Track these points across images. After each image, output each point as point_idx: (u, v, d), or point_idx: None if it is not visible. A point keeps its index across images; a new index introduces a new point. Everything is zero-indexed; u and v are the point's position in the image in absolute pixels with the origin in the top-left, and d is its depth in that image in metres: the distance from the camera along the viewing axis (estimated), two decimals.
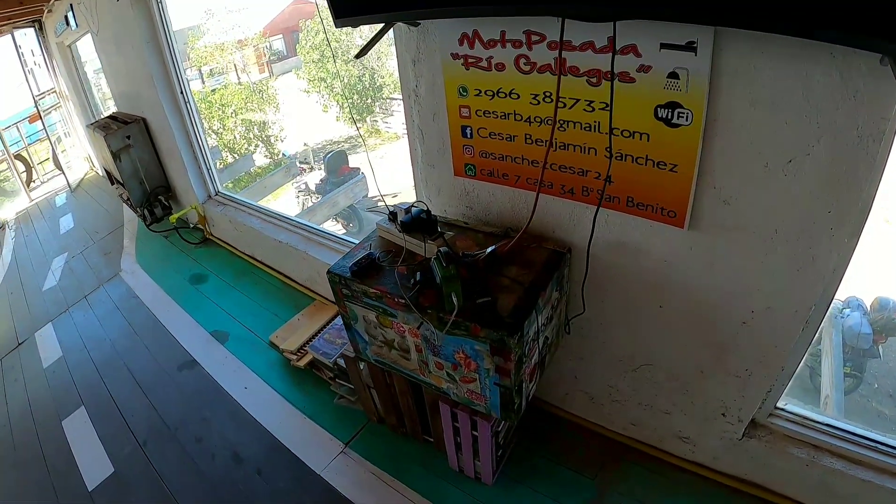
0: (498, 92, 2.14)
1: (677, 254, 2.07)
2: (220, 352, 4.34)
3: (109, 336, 5.10)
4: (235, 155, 16.67)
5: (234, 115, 16.82)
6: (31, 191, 11.40)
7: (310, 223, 4.70)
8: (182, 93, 5.49)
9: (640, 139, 1.87)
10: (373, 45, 2.25)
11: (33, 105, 10.09)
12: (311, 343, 3.73)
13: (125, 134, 6.12)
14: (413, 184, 2.93)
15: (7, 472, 3.99)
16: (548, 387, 3.03)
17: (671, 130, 1.79)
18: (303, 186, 13.01)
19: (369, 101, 18.64)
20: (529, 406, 2.43)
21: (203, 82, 18.57)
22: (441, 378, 2.29)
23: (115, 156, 6.05)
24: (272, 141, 18.11)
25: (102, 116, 7.74)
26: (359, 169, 12.25)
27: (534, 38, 1.94)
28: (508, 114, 2.16)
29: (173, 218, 6.03)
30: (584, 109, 1.95)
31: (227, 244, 5.88)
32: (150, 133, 6.27)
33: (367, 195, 11.89)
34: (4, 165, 12.42)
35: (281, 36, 27.12)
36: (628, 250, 2.19)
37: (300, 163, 14.49)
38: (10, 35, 9.61)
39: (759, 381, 2.17)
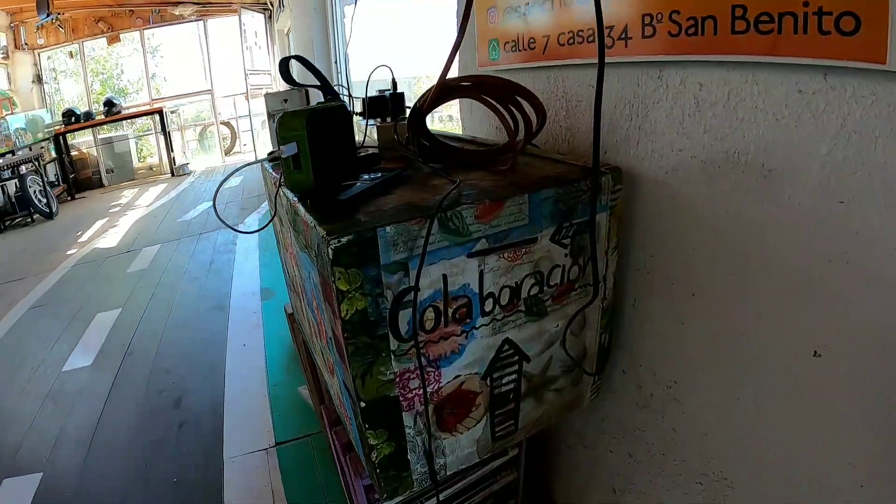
0: None
1: (874, 155, 0.70)
2: (254, 306, 3.94)
3: (189, 266, 5.14)
4: None
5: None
6: (229, 157, 11.89)
7: None
8: (336, 62, 5.17)
9: None
10: None
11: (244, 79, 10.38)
12: None
13: (283, 97, 6.01)
14: None
15: (38, 329, 4.12)
16: (565, 486, 1.67)
17: None
18: None
19: None
20: None
21: None
22: (322, 359, 1.20)
23: (270, 116, 5.88)
24: None
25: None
26: None
27: None
28: None
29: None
30: None
31: None
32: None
33: None
34: (214, 129, 12.92)
35: None
36: (744, 174, 0.86)
37: None
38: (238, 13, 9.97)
39: None
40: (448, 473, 1.06)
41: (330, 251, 0.75)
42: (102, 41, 10.98)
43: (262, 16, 10.45)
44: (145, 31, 10.83)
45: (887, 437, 0.71)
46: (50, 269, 5.76)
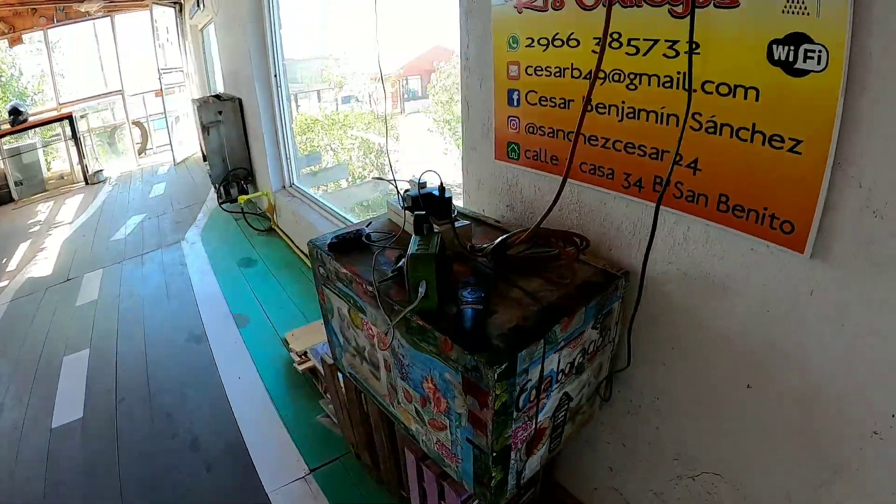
0: (553, 39, 1.50)
1: (789, 299, 1.24)
2: (233, 335, 3.99)
3: (143, 292, 5.07)
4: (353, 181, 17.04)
5: (353, 137, 17.11)
6: (142, 157, 11.72)
7: None
8: (275, 75, 5.20)
9: (745, 97, 1.14)
10: None
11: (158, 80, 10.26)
12: (315, 346, 3.09)
13: (217, 109, 5.94)
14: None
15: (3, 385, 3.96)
16: (571, 472, 2.20)
17: (793, 81, 1.06)
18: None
19: None
20: (545, 491, 1.84)
21: (337, 105, 18.98)
22: (409, 414, 1.61)
23: (205, 129, 5.89)
24: (385, 170, 18.19)
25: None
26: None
27: None
28: (564, 69, 1.50)
29: (242, 199, 5.75)
30: (664, 55, 1.26)
31: (287, 236, 5.56)
32: (242, 114, 6.06)
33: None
34: (124, 129, 12.70)
35: (419, 76, 27.54)
36: (711, 286, 1.39)
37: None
38: (149, 10, 9.83)
39: None
40: (524, 482, 1.51)
41: (494, 374, 1.17)
42: (2, 43, 10.56)
43: (172, 10, 10.33)
44: (49, 30, 10.46)
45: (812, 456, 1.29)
46: None
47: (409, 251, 1.27)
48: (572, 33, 1.44)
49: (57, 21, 10.24)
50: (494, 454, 1.32)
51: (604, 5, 1.27)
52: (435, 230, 1.37)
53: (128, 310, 4.73)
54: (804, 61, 1.03)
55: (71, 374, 3.89)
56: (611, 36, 1.33)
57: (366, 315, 1.56)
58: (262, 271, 4.98)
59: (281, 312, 4.18)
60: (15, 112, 9.59)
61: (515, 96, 1.69)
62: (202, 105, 5.82)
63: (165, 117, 10.27)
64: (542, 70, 1.57)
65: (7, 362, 4.28)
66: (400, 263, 1.41)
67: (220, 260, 5.42)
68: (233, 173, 6.13)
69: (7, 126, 9.68)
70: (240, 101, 5.96)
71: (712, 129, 1.21)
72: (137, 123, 12.01)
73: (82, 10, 10.09)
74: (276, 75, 5.14)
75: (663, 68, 1.26)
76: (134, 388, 3.58)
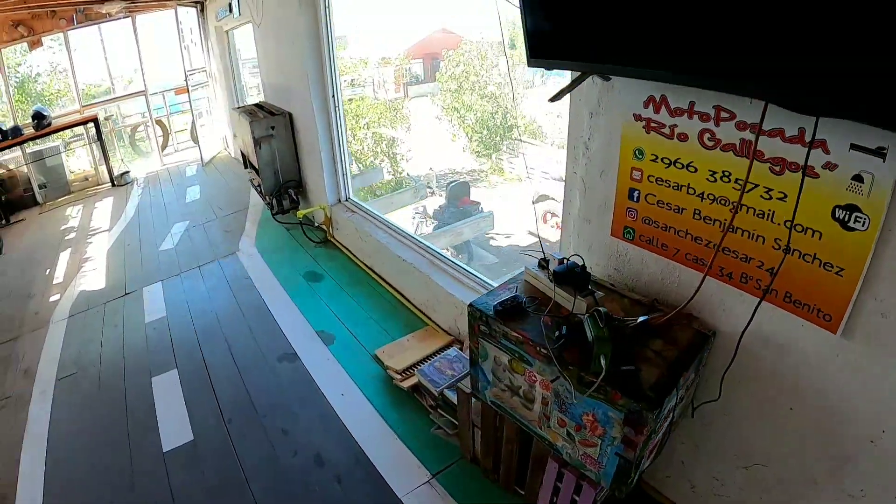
0: (675, 162, 2.16)
1: (822, 357, 1.99)
2: (323, 352, 4.50)
3: (215, 308, 5.48)
4: (360, 165, 17.40)
5: (366, 126, 17.60)
6: (163, 156, 12.37)
7: (440, 250, 4.79)
8: (333, 97, 5.81)
9: (812, 236, 1.85)
10: (567, 93, 2.30)
11: (183, 79, 10.83)
12: (419, 367, 3.78)
13: (270, 124, 6.52)
14: (532, 225, 2.95)
15: (88, 405, 4.36)
16: (651, 466, 2.96)
17: (845, 233, 1.76)
18: (420, 209, 13.43)
19: (498, 139, 19.23)
20: None
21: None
22: (559, 435, 2.30)
23: (257, 143, 6.42)
24: (397, 159, 18.82)
25: (248, 103, 8.28)
26: (479, 203, 12.49)
27: (723, 114, 1.95)
28: (682, 185, 2.17)
29: (300, 213, 6.34)
30: (761, 196, 1.94)
31: (348, 250, 6.11)
32: (293, 128, 6.65)
33: (489, 231, 12.08)
34: (144, 127, 13.51)
35: (421, 60, 28.13)
36: (772, 345, 2.12)
37: (427, 187, 15.04)
38: (173, 10, 10.46)
39: None
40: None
41: (653, 415, 1.87)
42: (22, 47, 11.23)
43: (194, 9, 10.93)
44: (69, 31, 11.00)
45: (829, 454, 1.96)
46: (41, 323, 5.83)
47: (593, 332, 1.96)
48: (692, 162, 2.11)
49: (77, 23, 10.79)
50: (636, 462, 2.04)
51: (735, 154, 1.97)
52: (602, 310, 2.04)
53: (205, 327, 5.14)
54: (854, 223, 1.73)
55: (166, 396, 4.29)
56: (723, 173, 2.02)
57: (531, 367, 2.25)
58: (332, 287, 5.49)
59: (363, 329, 4.71)
60: (39, 116, 10.12)
61: (636, 194, 2.37)
62: (254, 120, 6.39)
63: (193, 119, 10.98)
64: (662, 181, 2.24)
65: (88, 383, 4.62)
66: (563, 332, 2.10)
67: (284, 274, 5.89)
68: (284, 186, 6.76)
69: (31, 130, 10.22)
70: (290, 115, 6.59)
71: (787, 251, 1.90)
72: (159, 122, 12.69)
73: (103, 11, 10.63)
74: (333, 95, 5.77)
75: (759, 204, 1.95)
76: (239, 408, 4.02)
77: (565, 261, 2.36)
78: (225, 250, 6.81)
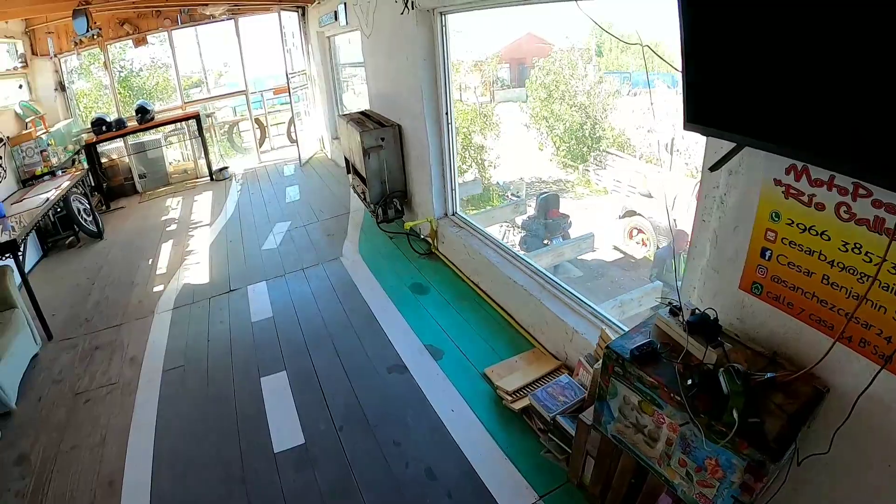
0: (810, 228, 2.42)
1: None
2: (432, 367, 4.80)
3: (321, 312, 5.90)
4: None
5: (456, 132, 18.15)
6: (261, 153, 13.27)
7: (552, 275, 5.07)
8: (447, 113, 6.21)
9: None
10: (725, 163, 2.58)
11: (282, 79, 11.60)
12: (532, 391, 4.12)
13: (380, 135, 6.98)
14: (651, 264, 3.23)
15: (196, 399, 4.81)
16: None
17: None
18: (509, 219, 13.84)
19: (585, 149, 19.48)
20: None
21: None
22: (677, 473, 2.60)
23: (366, 153, 6.88)
24: (485, 165, 19.25)
25: (351, 111, 8.87)
26: (567, 216, 12.76)
27: (861, 191, 2.20)
28: (814, 251, 2.43)
29: (408, 225, 6.78)
30: (889, 271, 2.18)
31: (453, 264, 6.48)
32: (401, 140, 7.11)
33: (590, 252, 12.32)
34: (244, 126, 14.91)
35: (507, 65, 28.50)
36: (883, 404, 2.32)
37: (512, 195, 15.39)
38: (276, 14, 11.37)
39: None
40: None
41: (776, 466, 2.20)
42: (127, 43, 12.27)
43: (295, 14, 11.74)
44: (173, 31, 11.90)
45: None
46: (145, 312, 6.43)
47: (729, 387, 2.27)
48: (826, 230, 2.38)
49: (181, 23, 11.70)
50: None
51: (868, 229, 2.21)
52: (738, 367, 2.35)
53: (313, 331, 5.53)
54: None
55: (275, 397, 4.63)
56: (854, 244, 2.29)
57: (662, 410, 2.57)
58: (438, 301, 5.83)
59: (470, 345, 5.01)
60: (142, 111, 11.11)
61: (768, 254, 2.65)
62: (364, 130, 6.86)
63: (293, 120, 11.79)
64: (794, 245, 2.51)
65: (196, 378, 5.05)
66: (696, 381, 2.42)
67: (389, 283, 6.30)
68: (390, 195, 7.22)
69: (134, 123, 11.18)
70: (399, 127, 7.03)
71: None
72: (257, 120, 13.60)
73: (207, 12, 11.48)
74: (446, 113, 6.17)
75: (887, 279, 2.20)
76: (350, 415, 4.31)
77: (697, 311, 2.66)
78: (328, 254, 7.30)
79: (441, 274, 6.42)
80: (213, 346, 5.55)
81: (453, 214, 6.69)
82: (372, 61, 7.96)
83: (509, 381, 4.38)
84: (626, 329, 3.91)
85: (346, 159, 8.41)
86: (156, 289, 7.10)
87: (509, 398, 4.24)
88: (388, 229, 7.51)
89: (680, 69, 2.34)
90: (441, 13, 5.79)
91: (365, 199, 7.58)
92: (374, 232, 7.73)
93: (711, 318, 2.61)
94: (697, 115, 2.38)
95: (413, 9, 5.87)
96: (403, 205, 7.44)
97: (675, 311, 2.77)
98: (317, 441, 4.11)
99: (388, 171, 7.09)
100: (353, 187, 8.34)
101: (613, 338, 3.69)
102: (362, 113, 8.03)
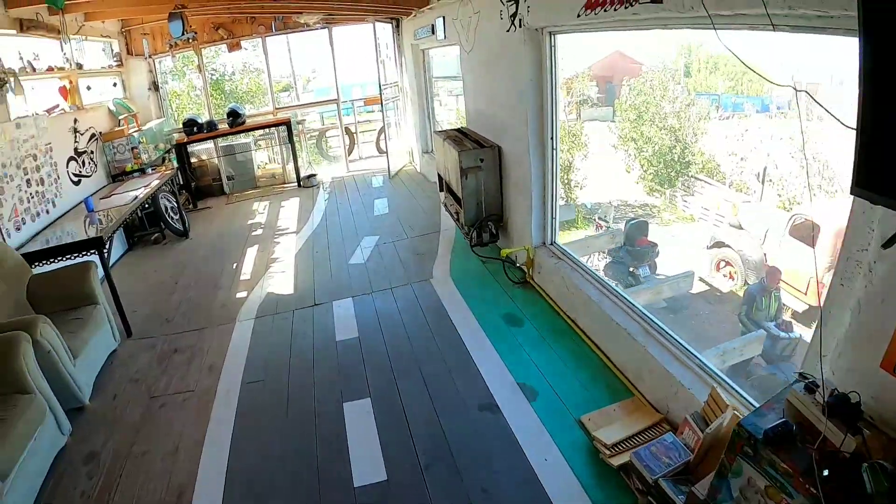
0: None
1: None
2: (525, 408, 4.64)
3: (409, 337, 5.84)
4: None
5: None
6: (349, 162, 13.65)
7: (661, 322, 4.92)
8: (552, 139, 6.15)
9: None
10: None
11: (373, 88, 12.19)
12: (632, 447, 4.03)
13: (479, 156, 6.98)
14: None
15: (275, 417, 4.84)
16: None
17: None
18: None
19: (673, 174, 19.25)
20: None
21: None
22: None
23: (464, 173, 6.90)
24: (571, 185, 19.23)
25: (446, 127, 8.95)
26: (655, 244, 12.58)
27: None
28: None
29: (505, 252, 6.79)
30: None
31: (549, 296, 6.36)
32: (500, 162, 7.09)
33: (688, 292, 12.14)
34: (332, 133, 15.48)
35: (595, 83, 28.50)
36: None
37: (599, 219, 15.32)
38: (371, 25, 11.67)
39: None
40: None
41: None
42: (221, 48, 12.88)
43: (389, 25, 12.09)
44: (267, 38, 12.40)
45: None
46: (227, 318, 6.57)
47: (874, 487, 2.17)
48: None
49: (275, 30, 12.18)
50: None
51: None
52: (885, 465, 2.24)
53: (400, 357, 5.45)
54: None
55: (358, 426, 4.57)
56: None
57: (792, 499, 2.48)
58: (533, 335, 5.67)
59: (567, 388, 4.83)
60: (234, 114, 11.62)
61: None
62: (463, 150, 6.87)
63: (385, 131, 12.06)
64: None
65: (276, 395, 5.06)
66: (831, 471, 2.32)
67: (481, 311, 6.18)
68: (486, 219, 7.20)
69: (225, 126, 11.68)
70: (499, 149, 7.03)
71: None
72: (346, 129, 13.95)
73: (301, 21, 11.93)
74: (551, 138, 6.12)
75: None
76: (436, 453, 4.20)
77: (836, 391, 2.56)
78: (417, 274, 7.31)
79: (536, 306, 6.26)
80: (295, 361, 5.58)
81: (551, 244, 6.61)
82: (471, 78, 8.01)
83: (608, 433, 4.27)
84: (740, 390, 3.83)
85: (439, 176, 8.45)
86: (239, 295, 7.28)
87: (607, 452, 4.14)
88: (481, 253, 7.45)
89: (854, 126, 2.12)
90: (551, 33, 5.75)
91: (458, 219, 7.59)
92: (466, 254, 7.68)
93: (853, 401, 2.49)
94: (871, 181, 2.17)
95: (521, 27, 5.85)
96: (498, 229, 7.40)
97: (811, 387, 2.67)
98: (400, 479, 4.03)
99: (485, 193, 7.08)
100: (445, 205, 8.36)
101: (725, 398, 3.63)
102: (459, 130, 8.09)
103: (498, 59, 6.61)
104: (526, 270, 6.78)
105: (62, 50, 8.58)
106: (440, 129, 8.95)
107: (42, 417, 4.38)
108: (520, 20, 5.85)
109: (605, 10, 4.30)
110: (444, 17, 8.51)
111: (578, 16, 4.67)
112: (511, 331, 5.86)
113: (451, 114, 14.90)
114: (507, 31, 6.10)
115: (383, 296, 6.83)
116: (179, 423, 4.87)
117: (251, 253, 8.76)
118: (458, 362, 5.34)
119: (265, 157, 13.64)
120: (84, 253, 6.32)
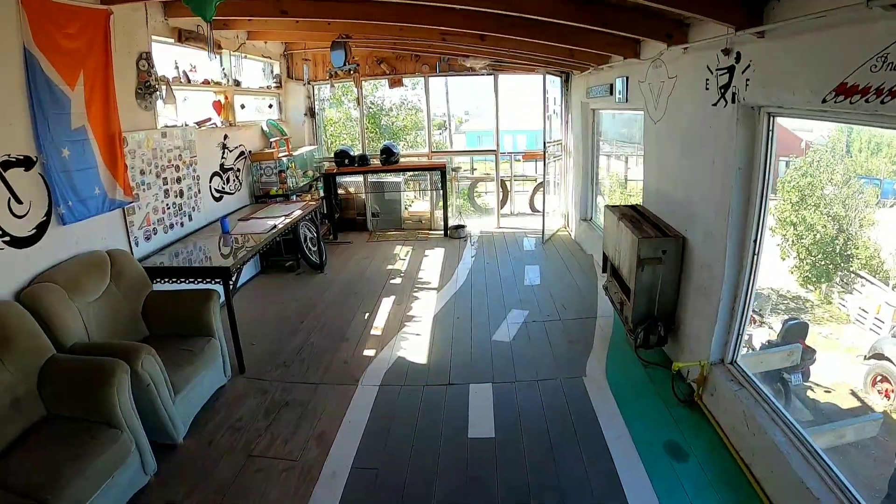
0: None
1: None
2: None
3: (555, 454, 4.92)
4: None
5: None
6: (500, 216, 13.22)
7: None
8: (755, 241, 5.18)
9: None
10: None
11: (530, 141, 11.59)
12: None
13: (661, 247, 6.13)
14: None
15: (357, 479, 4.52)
16: None
17: None
18: (746, 337, 12.74)
19: (832, 267, 17.69)
20: None
21: None
22: None
23: (640, 263, 6.07)
24: None
25: (606, 195, 8.16)
26: (814, 350, 11.49)
27: None
28: None
29: (677, 366, 5.81)
30: None
31: (720, 427, 5.27)
32: (683, 255, 6.19)
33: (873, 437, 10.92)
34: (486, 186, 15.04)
35: None
36: None
37: (754, 312, 14.24)
38: (542, 76, 11.21)
39: None
40: None
41: None
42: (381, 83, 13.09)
43: (558, 78, 11.66)
44: (430, 78, 12.32)
45: None
46: (349, 378, 6.11)
47: None
48: None
49: (440, 70, 12.02)
50: None
51: None
52: None
53: (540, 474, 4.63)
54: None
55: None
56: None
57: None
58: (698, 476, 4.63)
59: None
60: (388, 152, 11.57)
61: None
62: (643, 237, 6.06)
63: (543, 187, 11.48)
64: None
65: (389, 492, 4.44)
66: None
67: (640, 431, 5.18)
68: (657, 319, 6.35)
69: (377, 162, 11.64)
70: (684, 240, 6.16)
71: None
72: (501, 182, 13.53)
73: (467, 64, 11.70)
74: (755, 240, 5.15)
75: None
76: None
77: None
78: (569, 368, 6.39)
79: (704, 436, 5.14)
80: (416, 453, 4.88)
81: (731, 363, 5.61)
82: (655, 151, 7.14)
83: None
84: None
85: (604, 255, 7.63)
86: (366, 352, 6.75)
87: None
88: (645, 357, 6.49)
89: None
90: (770, 114, 4.83)
91: (621, 310, 6.74)
92: (625, 353, 6.67)
93: None
94: None
95: (734, 102, 4.96)
96: (668, 332, 6.51)
97: None
98: None
99: (661, 289, 6.18)
100: (606, 288, 7.53)
101: None
102: (633, 208, 7.23)
103: (695, 135, 5.74)
104: (695, 388, 5.79)
105: (219, 61, 8.91)
106: (613, 204, 8.16)
107: (125, 457, 4.15)
108: (733, 94, 4.97)
109: (867, 101, 3.36)
110: (626, 78, 7.76)
111: (824, 101, 3.72)
112: (672, 466, 4.78)
113: (613, 180, 14.25)
114: (714, 104, 5.25)
115: (528, 389, 5.98)
116: (273, 498, 4.38)
117: (386, 304, 8.27)
118: (605, 494, 4.43)
119: (413, 198, 13.38)
120: (209, 280, 6.20)
